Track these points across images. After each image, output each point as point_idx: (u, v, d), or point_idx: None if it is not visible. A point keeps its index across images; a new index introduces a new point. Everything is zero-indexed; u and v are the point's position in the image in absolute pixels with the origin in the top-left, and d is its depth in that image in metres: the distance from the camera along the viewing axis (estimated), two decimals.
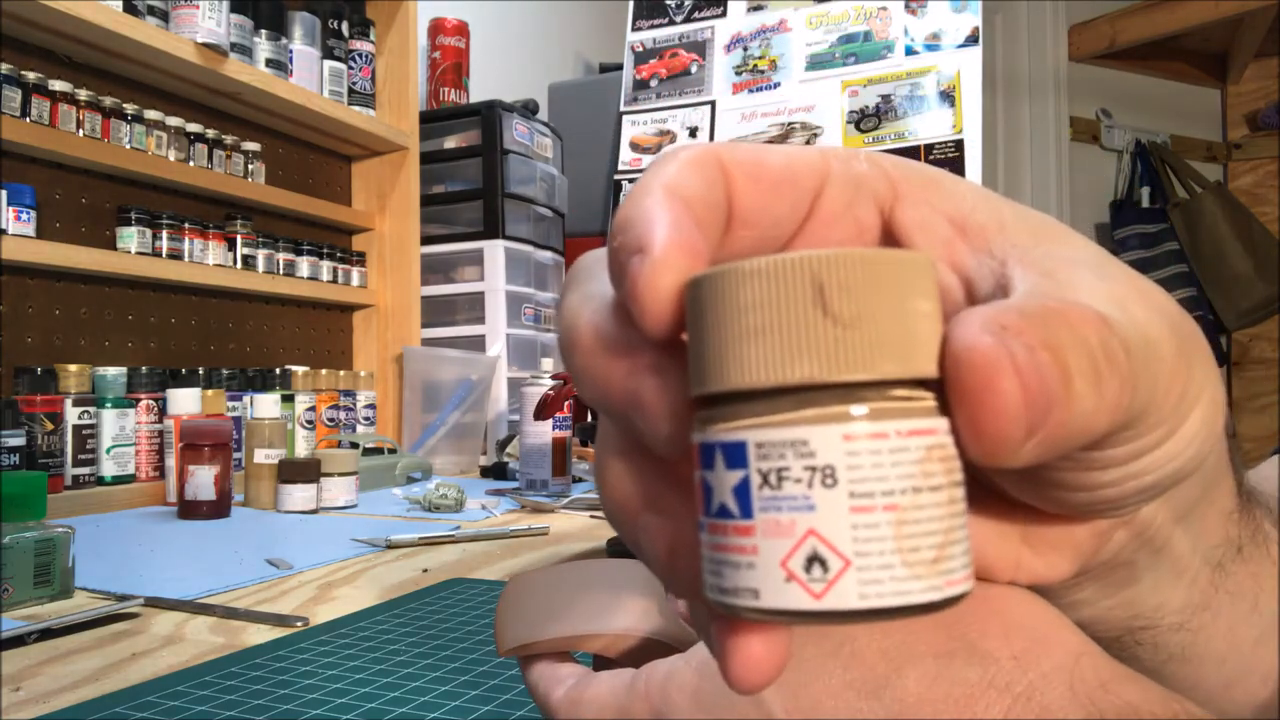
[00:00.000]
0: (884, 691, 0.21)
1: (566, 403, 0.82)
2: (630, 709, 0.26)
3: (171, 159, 1.31)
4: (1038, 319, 0.16)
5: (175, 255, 1.29)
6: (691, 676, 0.25)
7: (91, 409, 1.14)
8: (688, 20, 2.06)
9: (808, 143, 1.84)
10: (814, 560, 0.15)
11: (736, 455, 0.15)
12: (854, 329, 0.15)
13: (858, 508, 0.15)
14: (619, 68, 2.12)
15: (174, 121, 1.31)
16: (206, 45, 1.24)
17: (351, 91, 1.58)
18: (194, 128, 1.34)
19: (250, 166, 1.44)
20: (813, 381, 0.15)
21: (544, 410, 0.83)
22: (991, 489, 0.22)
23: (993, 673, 0.21)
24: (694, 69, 2.02)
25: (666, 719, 0.25)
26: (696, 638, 0.31)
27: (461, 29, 1.94)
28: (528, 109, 1.92)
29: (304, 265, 1.52)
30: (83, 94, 1.19)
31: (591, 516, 1.06)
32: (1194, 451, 0.20)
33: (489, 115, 1.78)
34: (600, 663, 0.31)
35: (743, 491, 0.15)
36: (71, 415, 1.11)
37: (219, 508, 1.05)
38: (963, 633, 0.22)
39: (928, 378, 0.15)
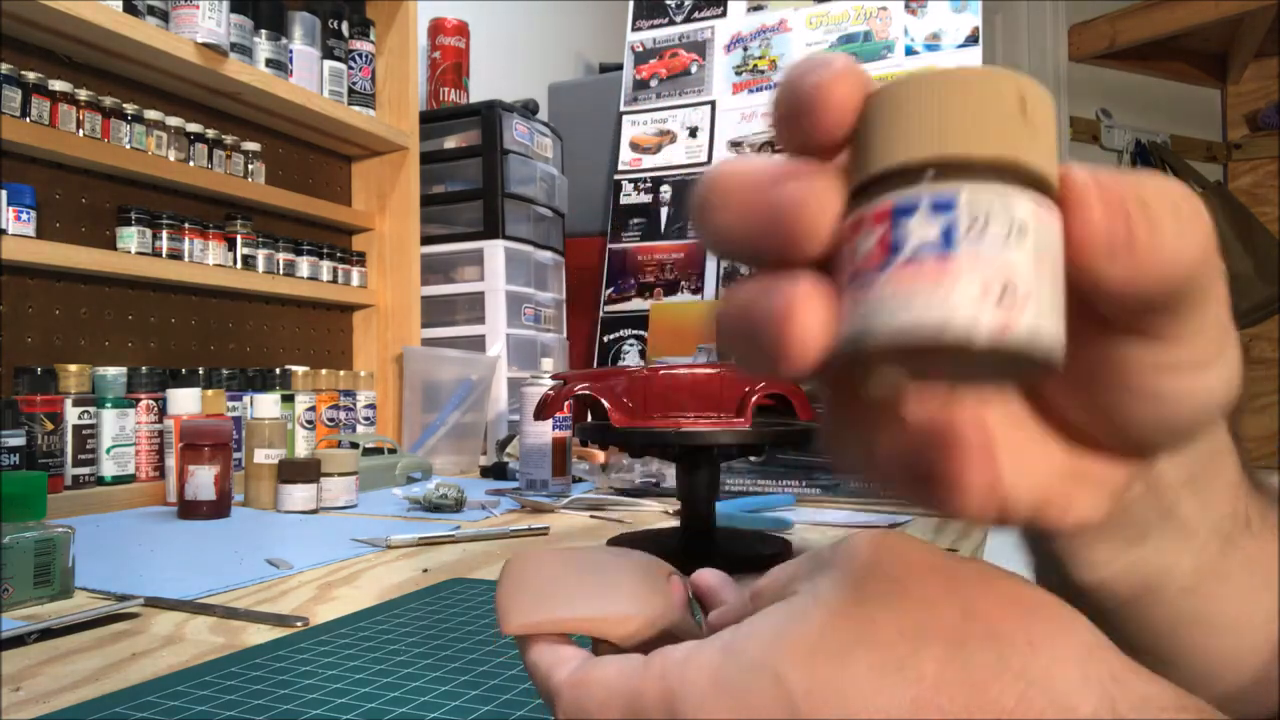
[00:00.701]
0: (904, 671, 0.22)
1: (566, 403, 0.82)
2: (642, 690, 0.26)
3: (171, 159, 1.31)
4: (1154, 196, 0.20)
5: (175, 255, 1.29)
6: (713, 656, 0.25)
7: (91, 409, 1.14)
8: (688, 20, 2.06)
9: None
10: (1007, 289, 0.18)
11: (946, 205, 0.18)
12: (1039, 135, 0.19)
13: (1038, 260, 0.18)
14: (619, 68, 2.12)
15: (174, 121, 1.31)
16: (206, 45, 1.24)
17: (351, 91, 1.58)
18: (194, 128, 1.34)
19: (250, 166, 1.44)
20: (1015, 162, 0.18)
21: (544, 410, 0.83)
22: (1051, 433, 0.24)
23: (1008, 656, 0.22)
24: (694, 69, 2.02)
25: (681, 701, 0.25)
26: (701, 631, 0.31)
27: (461, 29, 1.94)
28: (528, 109, 1.92)
29: (304, 265, 1.52)
30: (83, 94, 1.19)
31: (592, 517, 1.06)
32: (1225, 390, 0.23)
33: (489, 115, 1.78)
34: (602, 648, 0.30)
35: (949, 233, 0.18)
36: (71, 415, 1.11)
37: (219, 508, 1.05)
38: (980, 617, 0.22)
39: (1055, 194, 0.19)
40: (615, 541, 0.81)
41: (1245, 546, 0.29)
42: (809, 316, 0.19)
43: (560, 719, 0.28)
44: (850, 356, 0.19)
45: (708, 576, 0.34)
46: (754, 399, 0.80)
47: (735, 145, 1.94)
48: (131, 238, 1.25)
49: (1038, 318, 0.18)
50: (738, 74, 1.97)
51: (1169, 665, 0.32)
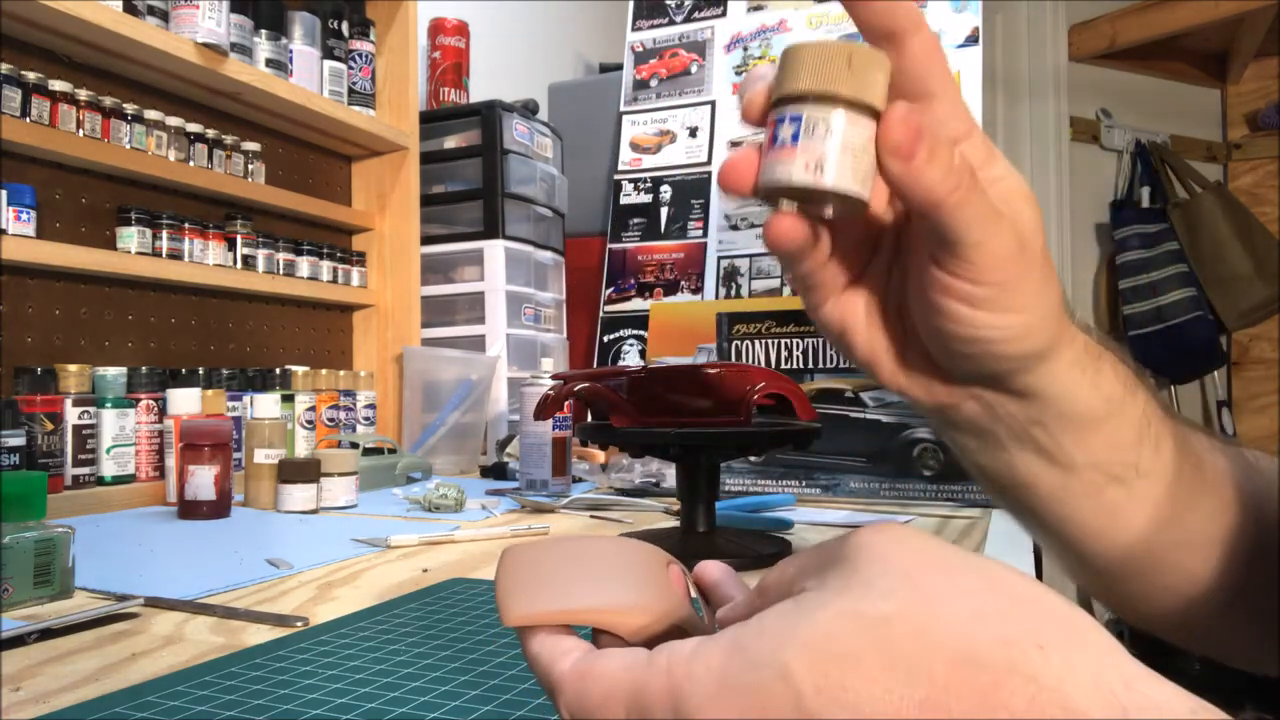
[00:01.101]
0: (914, 673, 0.22)
1: (566, 403, 0.82)
2: (647, 685, 0.25)
3: (171, 159, 1.31)
4: (941, 141, 0.32)
5: (175, 255, 1.29)
6: (719, 654, 0.25)
7: (91, 409, 1.14)
8: (688, 20, 2.06)
9: None
10: (819, 163, 0.31)
11: (795, 118, 0.31)
12: (860, 78, 0.31)
13: (843, 149, 0.31)
14: (619, 68, 2.12)
15: (174, 121, 1.31)
16: (206, 45, 1.24)
17: (351, 91, 1.58)
18: (194, 128, 1.34)
19: (250, 166, 1.44)
20: (839, 94, 0.31)
21: (544, 410, 0.83)
22: (909, 331, 0.38)
23: (1018, 660, 0.22)
24: (694, 69, 2.02)
25: (686, 698, 0.24)
26: (705, 624, 0.31)
27: (461, 29, 1.94)
28: (528, 109, 1.92)
29: (304, 265, 1.52)
30: (83, 94, 1.19)
31: (592, 517, 1.06)
32: (1017, 335, 0.35)
33: (489, 115, 1.78)
34: (604, 639, 0.30)
35: (794, 134, 0.31)
36: (71, 415, 1.11)
37: (219, 508, 1.05)
38: (992, 620, 0.22)
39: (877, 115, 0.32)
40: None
41: (1131, 483, 0.40)
42: (744, 165, 0.33)
43: (562, 711, 0.28)
44: (761, 192, 0.33)
45: (711, 569, 0.34)
46: (754, 399, 0.80)
47: (735, 145, 1.94)
48: (131, 238, 1.25)
49: (834, 179, 0.31)
50: (738, 74, 1.97)
51: (1071, 557, 0.45)
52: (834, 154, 0.31)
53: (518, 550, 0.33)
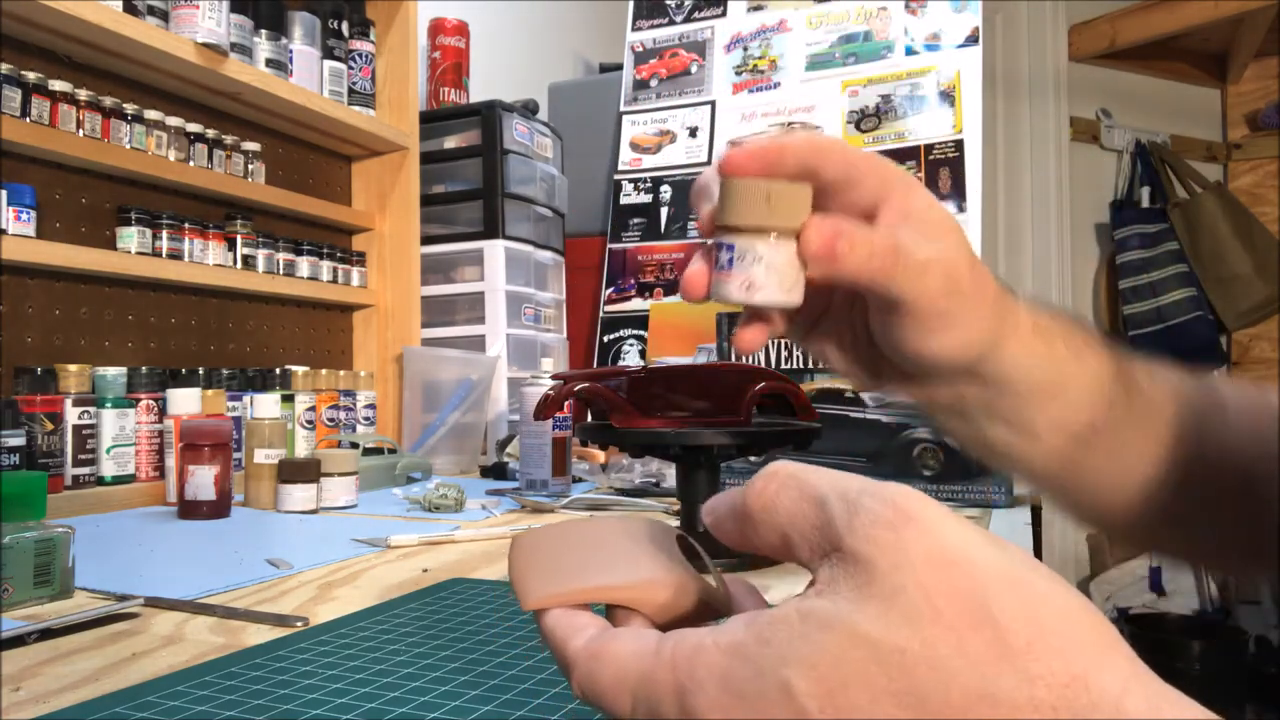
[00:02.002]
0: (925, 704, 0.21)
1: (566, 403, 0.82)
2: (655, 675, 0.25)
3: (171, 159, 1.31)
4: (858, 234, 0.37)
5: (175, 255, 1.29)
6: (720, 659, 0.24)
7: (91, 409, 1.14)
8: (688, 20, 2.06)
9: None
10: (751, 284, 0.37)
11: (730, 246, 0.37)
12: (778, 209, 0.37)
13: (771, 268, 0.37)
14: (619, 68, 2.12)
15: (174, 121, 1.31)
16: (206, 45, 1.24)
17: (351, 91, 1.58)
18: (194, 128, 1.34)
19: (250, 166, 1.44)
20: (762, 227, 0.37)
21: (544, 410, 0.83)
22: (875, 346, 0.43)
23: (1039, 696, 0.21)
24: (694, 69, 2.02)
25: (691, 696, 0.24)
26: (720, 592, 0.30)
27: (461, 29, 1.94)
28: (528, 109, 1.92)
29: (304, 265, 1.52)
30: (83, 94, 1.19)
31: (592, 516, 1.06)
32: (975, 349, 0.41)
33: (489, 115, 1.78)
34: (618, 615, 0.30)
35: (730, 260, 0.37)
36: (71, 415, 1.11)
37: (219, 508, 1.05)
38: (1015, 655, 0.22)
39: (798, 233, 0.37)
40: None
41: (1092, 442, 0.46)
42: (697, 280, 0.39)
43: (574, 688, 0.28)
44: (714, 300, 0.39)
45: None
46: (754, 399, 0.80)
47: (735, 145, 1.93)
48: (131, 238, 1.25)
49: (763, 296, 0.37)
50: (738, 74, 1.97)
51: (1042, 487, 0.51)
52: (761, 275, 0.37)
53: (529, 537, 0.33)
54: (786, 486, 0.26)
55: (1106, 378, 0.46)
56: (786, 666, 0.23)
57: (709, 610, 0.30)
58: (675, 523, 0.93)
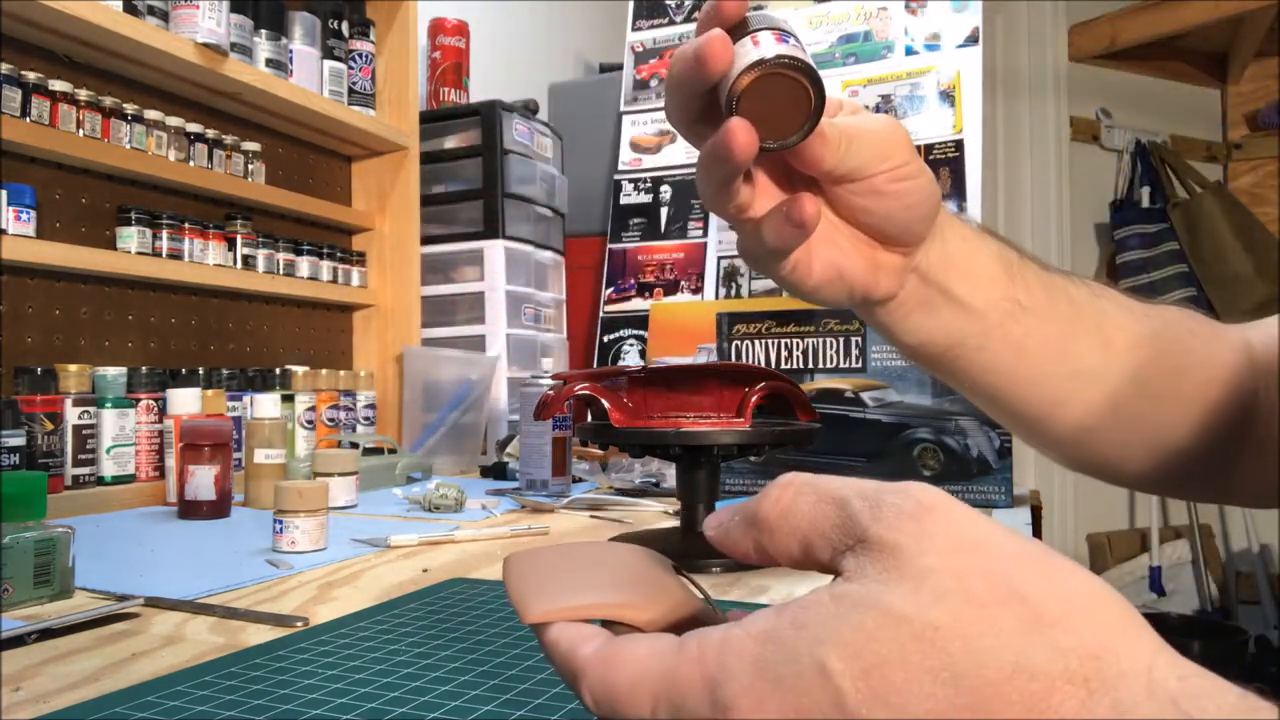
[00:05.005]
0: (961, 680, 0.22)
1: (566, 403, 0.82)
2: (678, 671, 0.25)
3: (171, 159, 1.31)
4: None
5: (175, 255, 1.29)
6: (751, 644, 0.24)
7: (91, 409, 1.14)
8: (688, 20, 2.06)
9: None
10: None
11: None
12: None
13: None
14: (619, 68, 2.12)
15: (174, 121, 1.31)
16: (206, 45, 1.24)
17: (351, 91, 1.58)
18: (194, 128, 1.34)
19: (250, 166, 1.44)
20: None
21: (544, 410, 0.83)
22: (858, 237, 0.48)
23: (1072, 668, 0.21)
24: None
25: (722, 686, 0.24)
26: (718, 615, 0.30)
27: (461, 29, 1.94)
28: (528, 109, 1.92)
29: (304, 265, 1.52)
30: (83, 94, 1.19)
31: (592, 517, 1.06)
32: (924, 194, 0.46)
33: (489, 115, 1.78)
34: (618, 629, 0.30)
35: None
36: (71, 415, 1.11)
37: (219, 508, 1.05)
38: (1045, 628, 0.22)
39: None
40: (616, 540, 0.81)
41: (1022, 320, 0.51)
42: (722, 46, 0.40)
43: (585, 697, 0.27)
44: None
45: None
46: (754, 399, 0.80)
47: None
48: (131, 238, 1.25)
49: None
50: None
51: (999, 406, 0.55)
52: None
53: (525, 554, 0.33)
54: (803, 492, 0.27)
55: (1014, 262, 0.52)
56: (821, 646, 0.23)
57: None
58: (675, 523, 0.93)
